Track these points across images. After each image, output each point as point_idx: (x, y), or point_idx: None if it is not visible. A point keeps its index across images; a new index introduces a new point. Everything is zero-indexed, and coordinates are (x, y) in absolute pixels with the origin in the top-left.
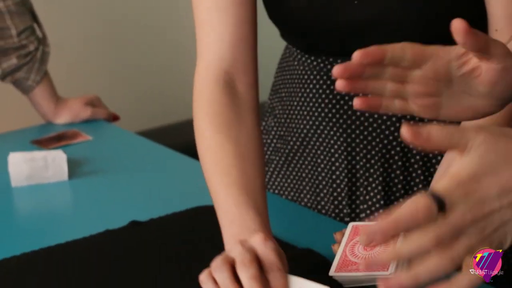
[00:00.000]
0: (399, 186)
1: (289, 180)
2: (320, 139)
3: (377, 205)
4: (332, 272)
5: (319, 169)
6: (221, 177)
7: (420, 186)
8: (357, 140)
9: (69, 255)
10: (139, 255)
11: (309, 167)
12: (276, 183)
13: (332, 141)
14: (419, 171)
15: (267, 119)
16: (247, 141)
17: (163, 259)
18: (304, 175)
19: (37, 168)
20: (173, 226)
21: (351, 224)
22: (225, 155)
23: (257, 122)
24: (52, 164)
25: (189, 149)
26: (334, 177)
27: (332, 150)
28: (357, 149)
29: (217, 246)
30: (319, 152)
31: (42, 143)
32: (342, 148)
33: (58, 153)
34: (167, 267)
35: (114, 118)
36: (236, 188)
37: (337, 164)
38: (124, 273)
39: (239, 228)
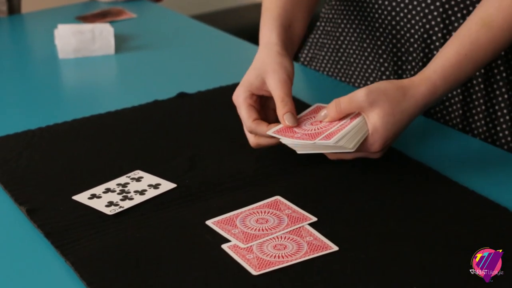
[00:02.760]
0: None
1: (339, 66)
2: (366, 23)
3: None
4: (269, 131)
5: (365, 54)
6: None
7: None
8: (401, 23)
9: (118, 121)
10: (186, 124)
11: (357, 51)
12: (327, 68)
13: (377, 24)
14: None
15: (325, 7)
16: None
17: (209, 128)
18: (352, 59)
19: (85, 40)
20: (220, 98)
21: (316, 104)
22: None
23: None
24: (99, 37)
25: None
26: (381, 60)
27: (378, 34)
28: (401, 32)
29: None
30: (365, 36)
31: (87, 19)
32: (387, 31)
33: (105, 26)
34: (213, 136)
35: None
36: (279, 23)
37: (383, 47)
38: (172, 140)
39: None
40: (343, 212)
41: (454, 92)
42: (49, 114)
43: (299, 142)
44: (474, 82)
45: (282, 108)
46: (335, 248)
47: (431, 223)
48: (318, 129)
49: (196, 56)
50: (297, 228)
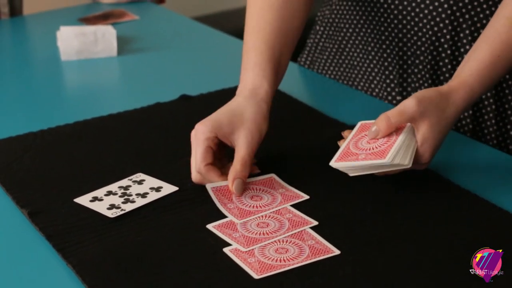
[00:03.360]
0: (447, 75)
1: (342, 69)
2: (372, 26)
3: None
4: (332, 163)
5: (370, 57)
6: (256, 34)
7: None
8: (408, 27)
9: (120, 124)
10: (189, 127)
11: (361, 55)
12: (330, 71)
13: (382, 28)
14: (464, 55)
15: (322, 9)
16: (290, 18)
17: None
18: (356, 63)
19: (87, 42)
20: (222, 101)
21: (359, 123)
22: (266, 22)
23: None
24: (102, 39)
25: (237, 34)
26: (386, 64)
27: (383, 37)
28: (408, 36)
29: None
30: (369, 39)
31: (90, 21)
32: (394, 34)
33: (107, 28)
34: None
35: (160, 0)
36: (271, 67)
37: (388, 51)
38: (174, 143)
39: (250, 79)
40: (344, 216)
41: (487, 105)
42: (51, 116)
43: (351, 164)
44: (507, 91)
45: (238, 171)
46: (336, 251)
47: (432, 226)
48: (375, 148)
49: (199, 58)
50: (298, 232)
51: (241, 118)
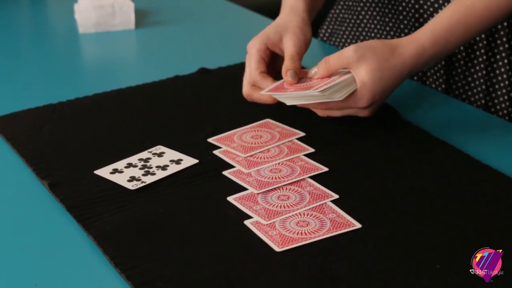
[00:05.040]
0: (462, 49)
1: (359, 40)
2: (388, 7)
3: (440, 63)
4: (263, 91)
5: (387, 28)
6: None
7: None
8: (425, 6)
9: (140, 96)
10: (207, 100)
11: (378, 26)
12: (347, 43)
13: (400, 7)
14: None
15: None
16: None
17: (230, 104)
18: (373, 34)
19: (105, 15)
20: (240, 74)
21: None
22: None
23: None
24: (120, 12)
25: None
26: (403, 35)
27: (400, 8)
28: (425, 7)
29: None
30: (387, 10)
31: None
32: (410, 5)
33: (125, 1)
34: (234, 112)
35: None
36: None
37: (405, 22)
38: (194, 116)
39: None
40: (365, 190)
41: (477, 68)
42: (70, 89)
43: (288, 94)
44: (498, 57)
45: (289, 64)
46: (358, 225)
47: (453, 200)
48: (308, 85)
49: (217, 31)
50: (319, 205)
51: (286, 27)
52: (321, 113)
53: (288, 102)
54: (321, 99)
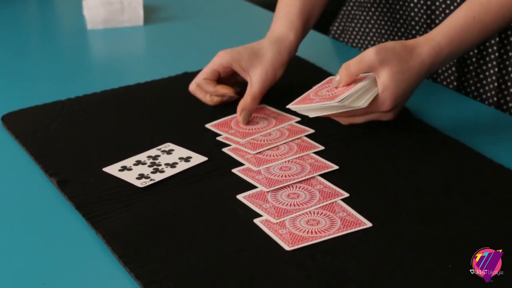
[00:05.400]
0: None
1: (369, 38)
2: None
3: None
4: (289, 105)
5: (397, 25)
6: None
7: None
8: (437, 3)
9: (148, 93)
10: None
11: (389, 23)
12: (357, 40)
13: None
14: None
15: None
16: None
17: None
18: (383, 31)
19: (113, 11)
20: None
21: (328, 77)
22: None
23: None
24: (128, 8)
25: (265, 5)
26: (413, 32)
27: (412, 5)
28: (437, 3)
29: (291, 89)
30: (397, 7)
31: None
32: (422, 2)
33: None
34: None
35: None
36: (300, 22)
37: (416, 19)
38: (203, 113)
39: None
40: (375, 188)
41: (490, 65)
42: (78, 85)
43: (311, 106)
44: (511, 54)
45: (248, 104)
46: (368, 224)
47: (465, 201)
48: (332, 94)
49: (225, 28)
50: (329, 204)
51: (261, 58)
52: (343, 121)
53: (311, 114)
54: (342, 108)
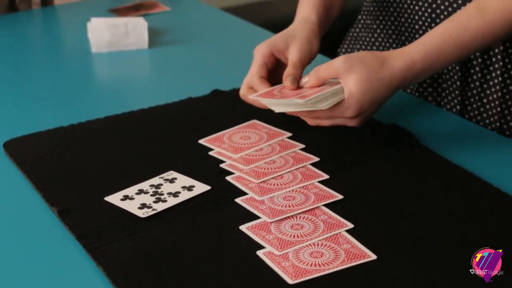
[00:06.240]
0: (477, 68)
1: None
2: (406, 15)
3: (456, 84)
4: (254, 95)
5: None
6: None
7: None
8: (442, 7)
9: (152, 119)
10: (221, 122)
11: (394, 45)
12: None
13: (416, 17)
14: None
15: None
16: None
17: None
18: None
19: (118, 34)
20: None
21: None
22: None
23: None
24: (133, 31)
25: (268, 26)
26: None
27: (417, 26)
28: (441, 17)
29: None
30: (403, 29)
31: (120, 12)
32: (427, 23)
33: (139, 20)
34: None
35: None
36: (321, 3)
37: (420, 31)
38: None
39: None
40: (380, 218)
41: (493, 89)
42: (82, 110)
43: (276, 101)
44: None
45: (290, 70)
46: (373, 256)
47: (467, 228)
48: (297, 93)
49: (231, 51)
50: (334, 235)
51: (294, 36)
52: (310, 121)
53: (276, 109)
54: (305, 107)
